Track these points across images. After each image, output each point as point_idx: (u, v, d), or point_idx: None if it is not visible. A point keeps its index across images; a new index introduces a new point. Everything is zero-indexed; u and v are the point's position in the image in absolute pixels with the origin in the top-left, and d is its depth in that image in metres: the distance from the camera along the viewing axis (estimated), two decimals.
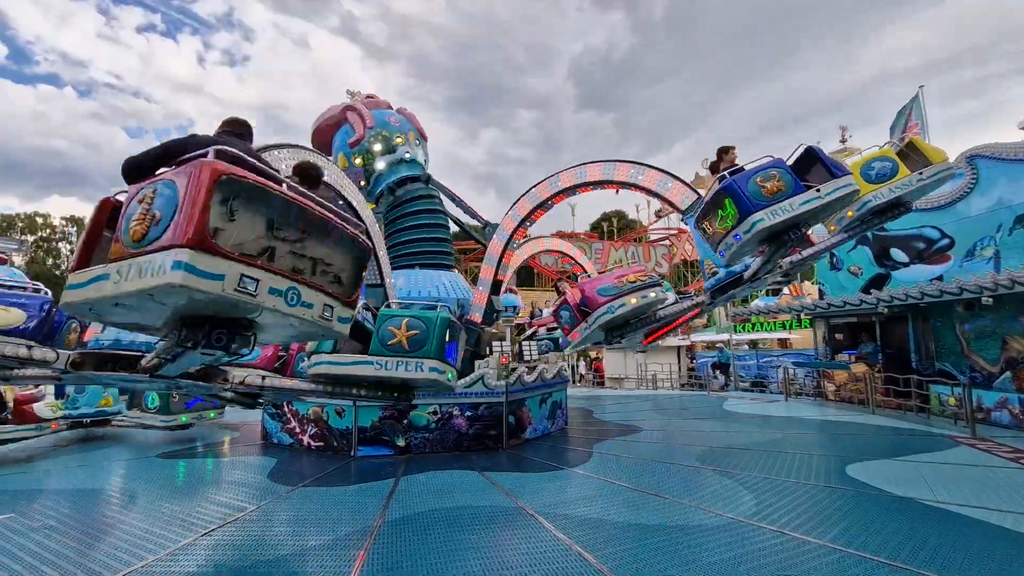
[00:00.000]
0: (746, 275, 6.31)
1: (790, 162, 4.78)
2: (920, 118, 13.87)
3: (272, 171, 2.54)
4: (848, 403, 12.59)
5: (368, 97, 12.79)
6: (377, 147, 11.44)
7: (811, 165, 4.83)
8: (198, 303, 2.21)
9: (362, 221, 8.30)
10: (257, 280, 2.25)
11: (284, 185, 2.48)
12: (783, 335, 22.83)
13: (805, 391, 15.11)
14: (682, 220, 7.74)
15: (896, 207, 6.21)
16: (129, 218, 2.24)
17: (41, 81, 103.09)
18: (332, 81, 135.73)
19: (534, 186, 9.77)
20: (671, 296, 7.88)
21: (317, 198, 2.70)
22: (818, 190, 4.48)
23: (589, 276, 9.55)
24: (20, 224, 52.43)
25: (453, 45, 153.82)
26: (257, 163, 2.47)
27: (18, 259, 13.19)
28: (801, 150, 4.94)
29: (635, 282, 6.89)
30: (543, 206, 9.86)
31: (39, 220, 54.05)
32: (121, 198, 2.59)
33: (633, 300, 6.75)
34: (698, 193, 8.64)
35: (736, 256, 4.99)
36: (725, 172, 4.80)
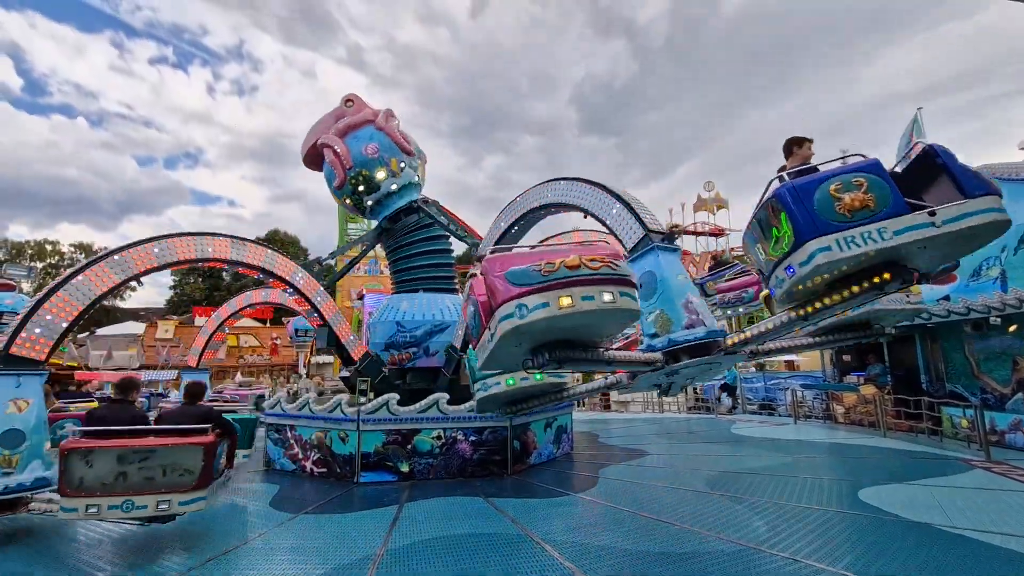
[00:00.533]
0: (726, 342, 4.49)
1: (898, 167, 3.43)
2: (920, 139, 13.98)
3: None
4: (858, 426, 12.38)
5: (347, 103, 11.58)
6: (361, 188, 10.93)
7: (930, 174, 3.23)
8: None
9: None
10: (98, 505, 4.16)
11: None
12: (790, 357, 22.63)
13: (814, 413, 14.90)
14: (628, 261, 5.16)
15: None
16: None
17: (54, 111, 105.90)
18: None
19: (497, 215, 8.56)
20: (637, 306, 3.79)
21: (158, 427, 4.65)
22: (932, 213, 2.95)
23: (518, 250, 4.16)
24: (30, 251, 53.12)
25: (457, 74, 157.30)
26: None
27: (27, 286, 13.33)
28: (918, 150, 3.40)
29: (578, 268, 3.39)
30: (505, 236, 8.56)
31: (48, 247, 54.75)
32: None
33: (565, 300, 3.30)
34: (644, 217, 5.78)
35: (789, 298, 3.63)
36: (785, 173, 3.56)
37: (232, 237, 7.67)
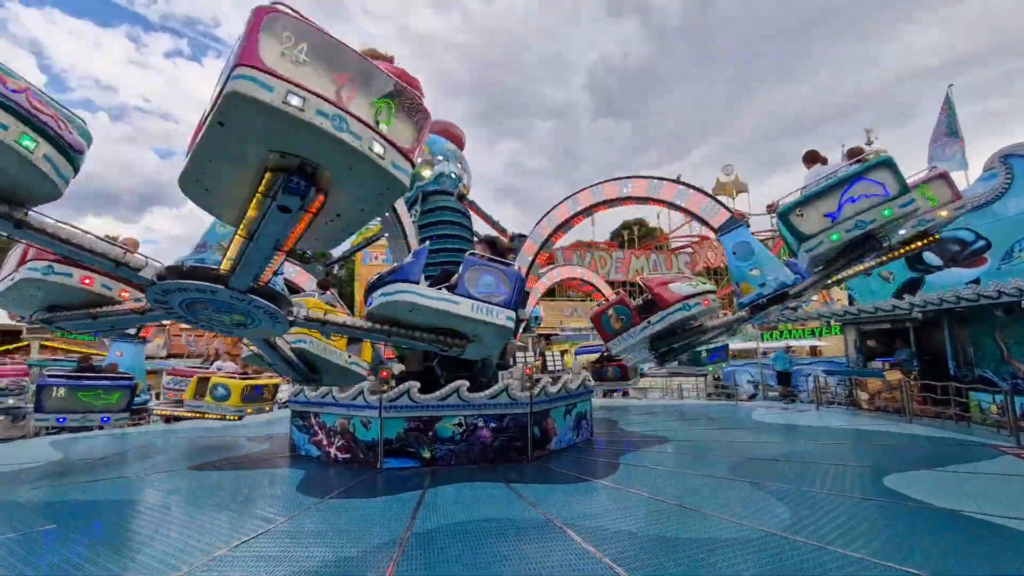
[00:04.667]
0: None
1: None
2: (952, 119, 13.45)
3: None
4: (883, 412, 12.20)
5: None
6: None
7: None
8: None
9: None
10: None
11: None
12: (812, 342, 22.31)
13: (837, 400, 14.70)
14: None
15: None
16: None
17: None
18: None
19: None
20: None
21: None
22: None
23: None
24: None
25: (469, 60, 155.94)
26: None
27: None
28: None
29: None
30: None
31: None
32: None
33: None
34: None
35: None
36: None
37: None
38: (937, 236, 6.02)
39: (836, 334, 18.80)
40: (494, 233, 11.63)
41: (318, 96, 2.79)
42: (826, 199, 4.48)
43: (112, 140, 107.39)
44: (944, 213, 5.50)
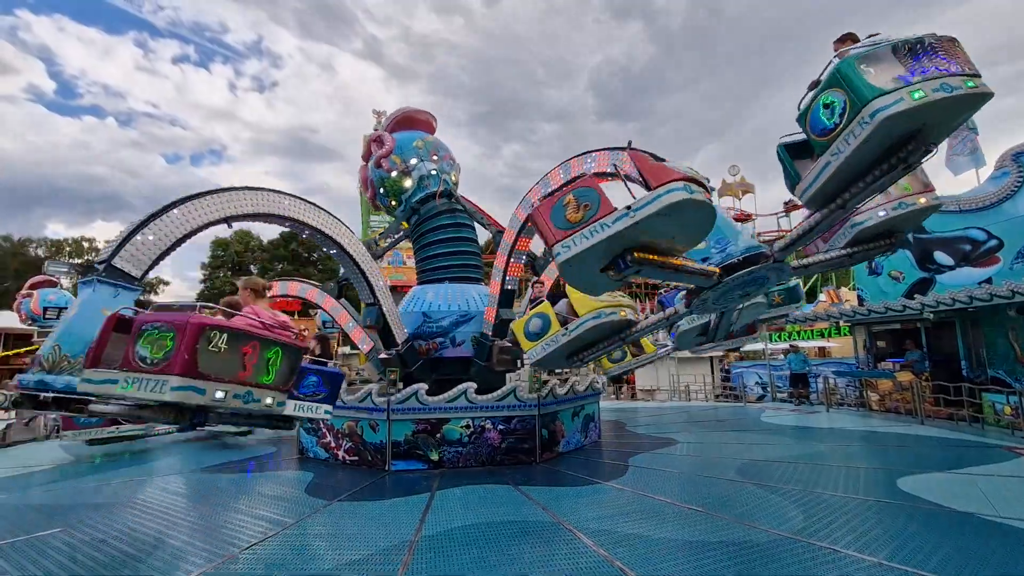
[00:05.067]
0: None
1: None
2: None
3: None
4: (894, 413, 12.07)
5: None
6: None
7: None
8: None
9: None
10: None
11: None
12: (821, 343, 22.15)
13: (847, 401, 14.57)
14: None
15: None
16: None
17: (85, 113, 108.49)
18: (357, 103, 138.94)
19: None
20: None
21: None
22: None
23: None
24: (68, 248, 55.04)
25: (473, 63, 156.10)
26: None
27: (66, 282, 13.84)
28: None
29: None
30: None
31: (85, 244, 56.65)
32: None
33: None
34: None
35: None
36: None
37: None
38: (901, 235, 5.55)
39: (845, 335, 18.64)
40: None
41: None
42: (894, 62, 3.39)
43: (120, 145, 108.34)
44: (923, 200, 5.19)
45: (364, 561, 4.24)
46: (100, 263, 5.50)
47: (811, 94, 3.79)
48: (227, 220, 6.72)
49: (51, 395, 4.59)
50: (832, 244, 5.71)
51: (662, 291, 10.62)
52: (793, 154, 4.42)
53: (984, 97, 3.33)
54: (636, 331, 6.69)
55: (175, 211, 6.13)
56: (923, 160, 3.80)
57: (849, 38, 4.20)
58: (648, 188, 3.83)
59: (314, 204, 8.01)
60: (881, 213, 5.12)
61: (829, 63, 3.72)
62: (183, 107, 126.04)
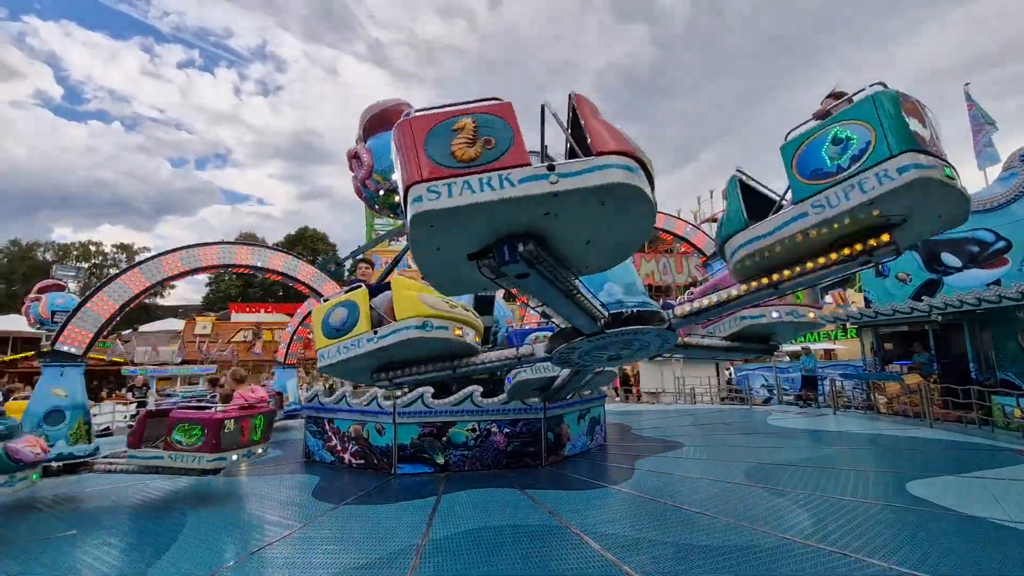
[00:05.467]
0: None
1: None
2: (982, 110, 13.11)
3: None
4: (902, 416, 11.99)
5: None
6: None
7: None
8: None
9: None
10: None
11: None
12: (828, 345, 22.04)
13: (854, 404, 14.48)
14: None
15: None
16: None
17: (91, 117, 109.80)
18: (361, 106, 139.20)
19: None
20: None
21: None
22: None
23: None
24: (75, 252, 55.46)
25: (477, 66, 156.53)
26: None
27: (73, 286, 13.92)
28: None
29: None
30: None
31: (92, 248, 57.08)
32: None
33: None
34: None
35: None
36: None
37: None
38: (778, 342, 5.50)
39: (852, 337, 18.54)
40: None
41: None
42: (919, 125, 2.65)
43: (126, 149, 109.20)
44: (812, 315, 4.86)
45: (371, 565, 4.24)
46: (43, 352, 6.66)
47: (814, 123, 3.04)
48: (162, 283, 7.98)
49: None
50: (712, 331, 5.23)
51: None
52: (746, 197, 3.55)
53: (952, 194, 2.64)
54: (473, 365, 5.00)
55: (117, 281, 7.34)
56: (881, 262, 3.05)
57: (838, 96, 3.55)
58: (581, 153, 2.54)
59: (265, 246, 9.11)
60: (775, 314, 4.81)
61: (821, 107, 3.37)
62: (188, 111, 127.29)
